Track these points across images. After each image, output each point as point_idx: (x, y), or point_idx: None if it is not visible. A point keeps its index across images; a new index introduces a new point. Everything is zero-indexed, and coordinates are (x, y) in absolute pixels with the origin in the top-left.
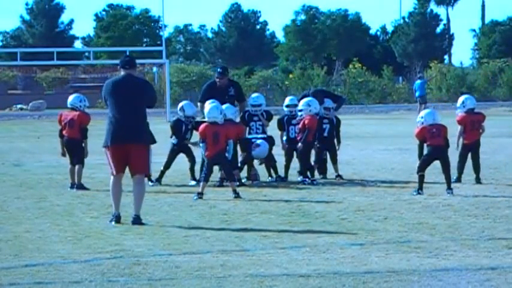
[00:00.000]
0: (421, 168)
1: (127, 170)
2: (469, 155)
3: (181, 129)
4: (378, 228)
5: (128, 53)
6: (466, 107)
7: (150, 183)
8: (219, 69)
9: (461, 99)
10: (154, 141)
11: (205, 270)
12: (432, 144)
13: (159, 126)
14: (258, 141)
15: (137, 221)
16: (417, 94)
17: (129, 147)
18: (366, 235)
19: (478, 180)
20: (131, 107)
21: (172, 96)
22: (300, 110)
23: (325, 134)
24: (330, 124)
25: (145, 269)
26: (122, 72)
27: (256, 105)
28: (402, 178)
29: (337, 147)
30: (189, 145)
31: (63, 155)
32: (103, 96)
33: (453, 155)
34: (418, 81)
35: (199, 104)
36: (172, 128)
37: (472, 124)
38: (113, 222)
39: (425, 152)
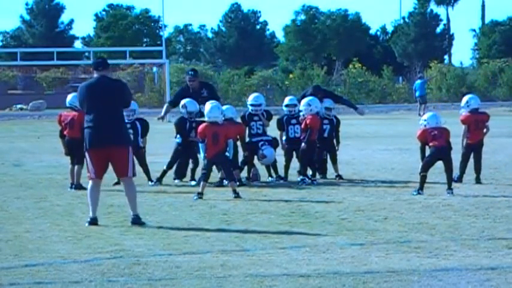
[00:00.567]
0: (424, 169)
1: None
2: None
3: (185, 127)
4: (378, 228)
5: (128, 53)
6: (470, 107)
7: (150, 183)
8: (190, 72)
9: (465, 98)
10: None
11: (205, 270)
12: (435, 145)
13: (160, 126)
14: (264, 151)
15: (136, 220)
16: (417, 94)
17: (110, 150)
18: (366, 235)
19: (478, 181)
20: (108, 109)
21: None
22: (301, 111)
23: (325, 135)
24: (330, 124)
25: (145, 269)
26: (95, 74)
27: (256, 105)
28: (402, 178)
29: (336, 148)
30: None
31: (67, 154)
32: (78, 100)
33: (455, 155)
34: (418, 81)
35: (166, 105)
36: (176, 126)
37: (476, 124)
38: (86, 224)
39: (428, 153)
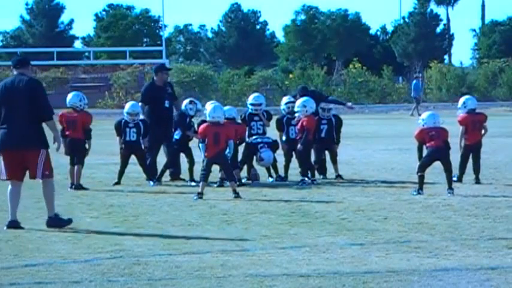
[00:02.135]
0: (421, 169)
1: (128, 171)
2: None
3: (185, 122)
4: (378, 228)
5: (128, 53)
6: (467, 108)
7: (150, 183)
8: (166, 66)
9: (462, 99)
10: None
11: (205, 270)
12: (432, 146)
13: None
14: (262, 154)
15: (52, 222)
16: (412, 94)
17: (23, 153)
18: (366, 235)
19: (477, 181)
20: (21, 110)
21: None
22: (298, 112)
23: (323, 135)
24: (328, 124)
25: (145, 269)
26: (14, 72)
27: (256, 105)
28: (402, 178)
29: (336, 147)
30: (189, 134)
31: (66, 153)
32: None
33: (453, 155)
34: (414, 81)
35: (140, 104)
36: (176, 121)
37: (474, 124)
38: (5, 227)
39: (425, 153)
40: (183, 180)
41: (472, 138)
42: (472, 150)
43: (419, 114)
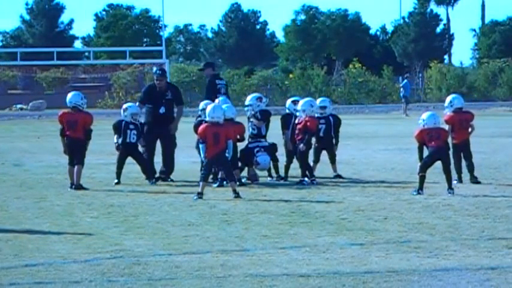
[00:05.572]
0: (422, 169)
1: (128, 171)
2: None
3: None
4: (378, 228)
5: (128, 53)
6: (454, 106)
7: (149, 182)
8: (158, 71)
9: (448, 98)
10: None
11: (205, 270)
12: (433, 146)
13: None
14: (258, 158)
15: None
16: (403, 93)
17: None
18: (366, 235)
19: (473, 179)
20: None
21: None
22: (303, 110)
23: (321, 134)
24: (326, 124)
25: (145, 269)
26: None
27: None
28: (402, 178)
29: (335, 148)
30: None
31: (65, 152)
32: None
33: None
34: (405, 81)
35: (138, 104)
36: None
37: (461, 123)
38: None
39: (426, 153)
40: (172, 180)
41: (459, 137)
42: (461, 149)
43: (407, 114)
